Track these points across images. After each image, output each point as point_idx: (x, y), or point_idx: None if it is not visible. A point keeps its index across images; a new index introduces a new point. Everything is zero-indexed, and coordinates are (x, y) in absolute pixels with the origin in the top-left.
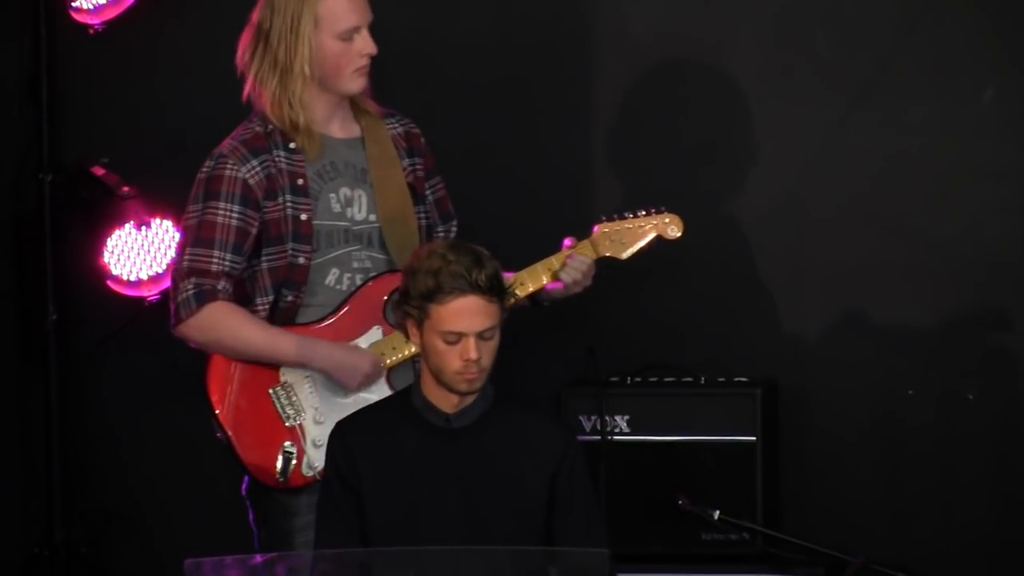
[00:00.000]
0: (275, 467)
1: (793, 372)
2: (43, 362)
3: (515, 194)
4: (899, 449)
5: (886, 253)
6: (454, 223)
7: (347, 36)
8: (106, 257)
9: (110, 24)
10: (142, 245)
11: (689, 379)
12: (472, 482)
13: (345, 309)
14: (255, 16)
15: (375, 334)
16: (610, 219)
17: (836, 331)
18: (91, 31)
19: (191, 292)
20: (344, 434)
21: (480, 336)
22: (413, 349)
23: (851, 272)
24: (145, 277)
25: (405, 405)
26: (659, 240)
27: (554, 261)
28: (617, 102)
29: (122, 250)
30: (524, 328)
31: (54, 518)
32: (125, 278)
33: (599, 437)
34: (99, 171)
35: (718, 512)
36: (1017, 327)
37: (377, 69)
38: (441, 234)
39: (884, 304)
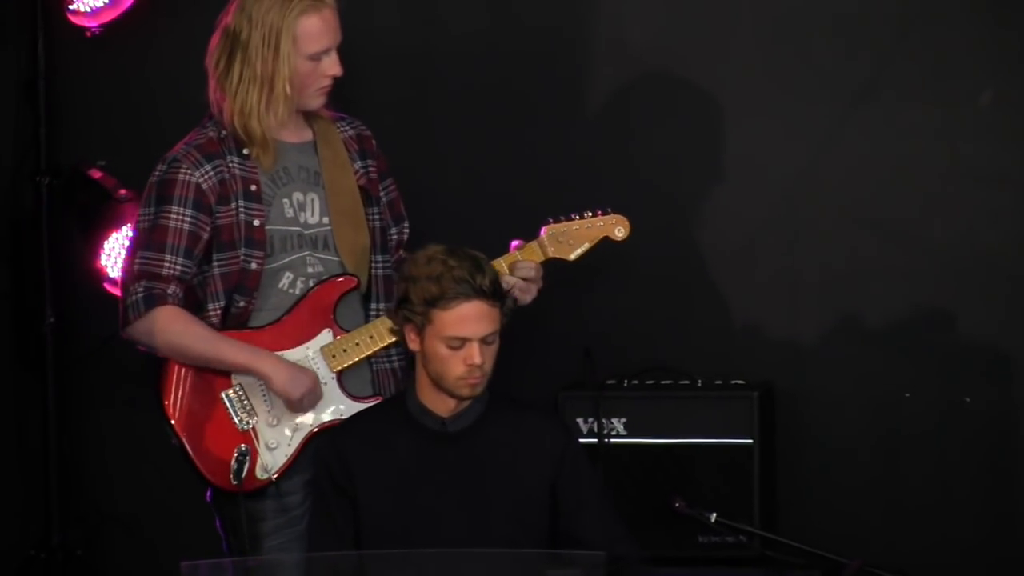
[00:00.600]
0: (230, 471)
1: (790, 375)
2: (40, 364)
3: (507, 199)
4: (896, 452)
5: (883, 257)
6: (406, 224)
7: (317, 57)
8: (103, 260)
9: (107, 27)
10: None
11: (686, 382)
12: (469, 485)
13: (295, 312)
14: (229, 21)
15: (325, 337)
16: (557, 220)
17: (833, 334)
18: (88, 34)
19: (140, 295)
20: (338, 440)
21: (483, 341)
22: (363, 351)
23: (848, 275)
24: None
25: (400, 410)
26: (606, 241)
27: (502, 263)
28: (613, 107)
29: (119, 253)
30: (521, 331)
31: (51, 521)
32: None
33: (596, 440)
34: (96, 174)
35: (715, 515)
36: (1014, 331)
37: (371, 75)
38: (394, 236)
39: (881, 307)
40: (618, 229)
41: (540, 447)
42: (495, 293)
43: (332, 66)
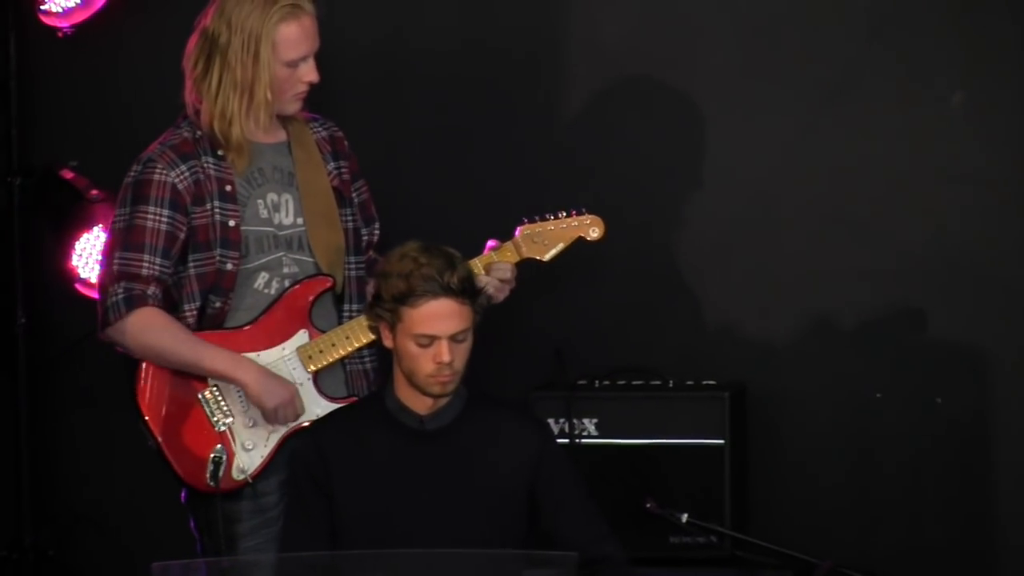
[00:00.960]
0: (206, 472)
1: (761, 375)
2: (11, 366)
3: (485, 199)
4: (867, 452)
5: (855, 257)
6: (376, 226)
7: (294, 63)
8: (75, 260)
9: (79, 27)
10: None
11: (657, 382)
12: (446, 484)
13: (271, 313)
14: (207, 23)
15: (301, 338)
16: (532, 221)
17: (804, 334)
18: (60, 34)
19: (121, 296)
20: (316, 437)
21: (453, 339)
22: (338, 351)
23: (820, 276)
24: None
25: (378, 407)
26: (580, 241)
27: (478, 263)
28: (588, 108)
29: (91, 253)
30: (492, 331)
31: (22, 521)
32: (93, 281)
33: (567, 440)
34: (68, 174)
35: (686, 515)
36: (985, 331)
37: (349, 77)
38: (365, 238)
39: (852, 308)
40: (592, 230)
41: (518, 447)
42: (465, 291)
43: (309, 72)
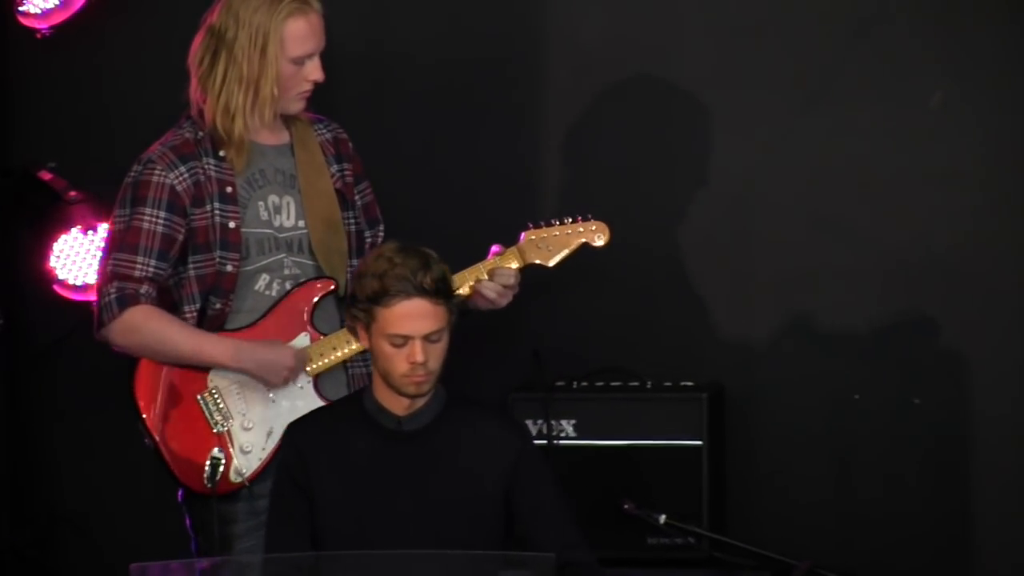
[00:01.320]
0: (203, 473)
1: (740, 376)
2: None
3: (465, 202)
4: (845, 454)
5: (834, 257)
6: (380, 228)
7: (300, 61)
8: (53, 261)
9: (58, 28)
10: (88, 249)
11: (635, 383)
12: (425, 485)
13: (272, 315)
14: (214, 20)
15: (302, 340)
16: (537, 226)
17: (783, 335)
18: (38, 35)
19: (113, 296)
20: (296, 437)
21: (427, 339)
22: (339, 354)
23: (799, 276)
24: (92, 281)
25: (358, 408)
26: (585, 247)
27: (482, 268)
28: (566, 109)
29: (68, 254)
30: (471, 332)
31: (1, 522)
32: (72, 282)
33: (545, 441)
34: (46, 175)
35: (664, 516)
36: (964, 332)
37: (329, 78)
38: (368, 240)
39: (832, 308)
40: (598, 236)
41: (496, 449)
42: (439, 291)
43: (315, 71)
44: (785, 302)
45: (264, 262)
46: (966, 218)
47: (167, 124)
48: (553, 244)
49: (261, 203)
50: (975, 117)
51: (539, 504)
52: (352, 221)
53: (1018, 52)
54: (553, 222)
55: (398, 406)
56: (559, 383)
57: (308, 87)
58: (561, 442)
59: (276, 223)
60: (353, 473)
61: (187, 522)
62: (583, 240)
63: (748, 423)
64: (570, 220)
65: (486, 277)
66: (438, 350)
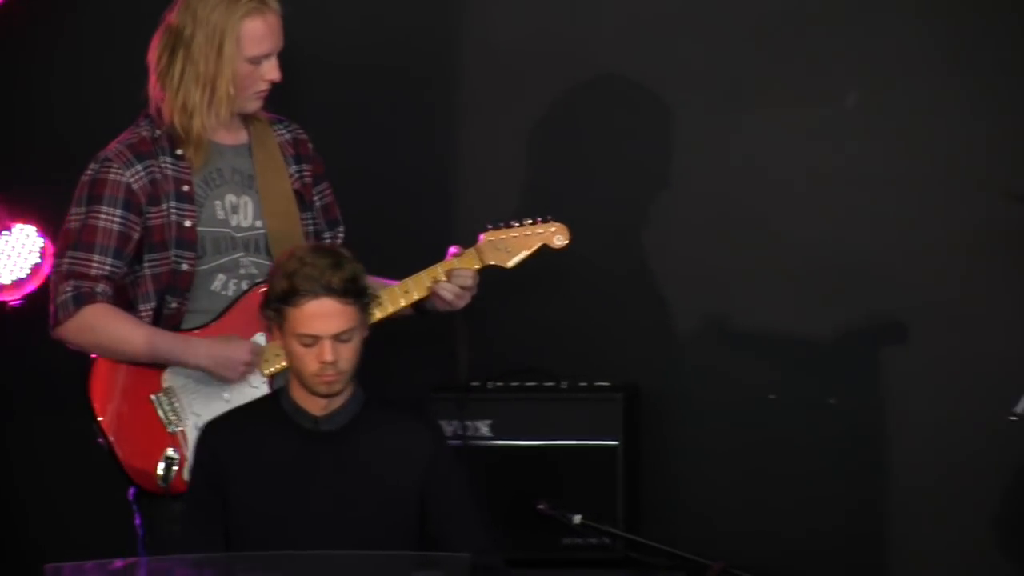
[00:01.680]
0: (156, 473)
1: (656, 376)
2: None
3: (386, 205)
4: (760, 454)
5: (750, 258)
6: (341, 229)
7: (257, 60)
8: None
9: None
10: (3, 250)
11: (551, 384)
12: (340, 486)
13: (229, 315)
14: (173, 19)
15: (259, 340)
16: (496, 227)
17: (699, 335)
18: None
19: (69, 294)
20: (211, 437)
21: (336, 339)
22: None
23: (714, 277)
24: (7, 282)
25: (275, 408)
26: (544, 249)
27: (439, 269)
28: (485, 110)
29: None
30: (387, 332)
31: None
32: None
33: (460, 442)
34: None
35: (579, 517)
36: (879, 332)
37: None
38: (328, 241)
39: (747, 309)
40: (558, 237)
41: (412, 449)
42: (348, 291)
43: (272, 71)
44: (701, 302)
45: (220, 261)
46: (880, 218)
47: (82, 124)
48: (512, 246)
49: (218, 202)
50: (891, 117)
51: (451, 505)
52: (310, 222)
53: (932, 51)
54: (512, 223)
55: (315, 406)
56: (474, 383)
57: (265, 87)
58: (477, 442)
59: (233, 222)
60: (269, 473)
61: (137, 521)
62: (542, 242)
63: (664, 423)
64: (529, 221)
65: (444, 278)
66: (348, 350)
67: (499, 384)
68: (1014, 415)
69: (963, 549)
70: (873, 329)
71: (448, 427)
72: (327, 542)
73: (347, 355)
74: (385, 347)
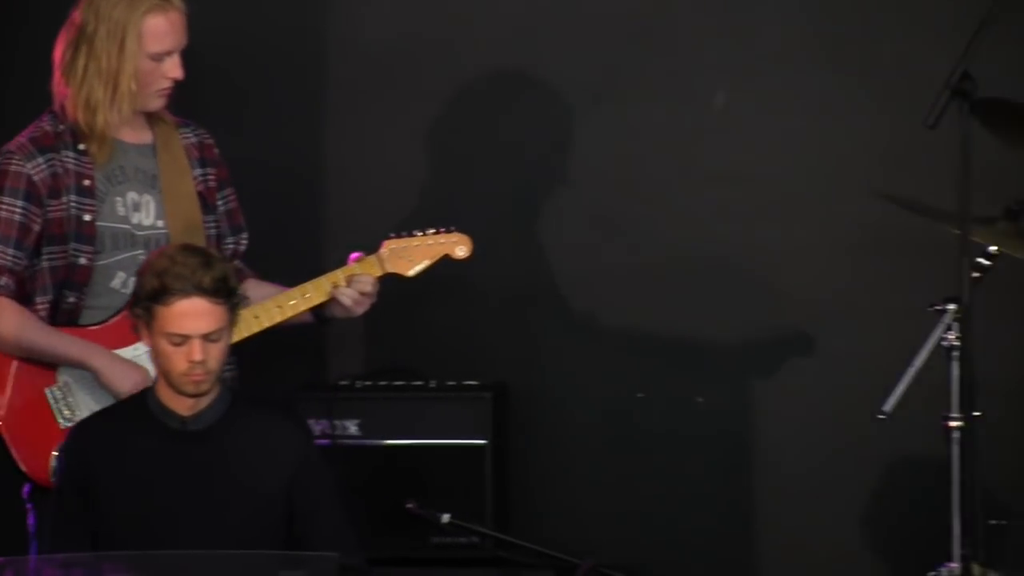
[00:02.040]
0: (49, 467)
1: (524, 375)
2: None
3: (351, 211)
4: (629, 452)
5: (616, 257)
6: (244, 235)
7: (159, 57)
8: None
9: None
10: None
11: (419, 383)
12: (208, 485)
13: (126, 313)
14: (77, 15)
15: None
16: (399, 236)
17: (567, 334)
18: None
19: None
20: (78, 437)
21: (206, 338)
22: None
23: (581, 276)
24: None
25: (141, 408)
26: (446, 259)
27: (340, 274)
28: (351, 109)
29: None
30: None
31: None
32: None
33: (328, 441)
34: None
35: (448, 516)
36: (745, 329)
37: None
38: (231, 246)
39: (615, 308)
40: (460, 248)
41: (279, 449)
42: (218, 291)
43: (173, 68)
44: (568, 301)
45: (118, 257)
46: (746, 217)
47: None
48: (414, 255)
49: (119, 199)
50: (756, 117)
51: (317, 506)
52: (212, 225)
53: (799, 52)
54: (415, 232)
55: (182, 406)
56: (343, 383)
57: (167, 84)
58: (345, 442)
59: (134, 220)
60: (136, 474)
61: (30, 519)
62: (444, 252)
63: (532, 422)
64: (432, 231)
65: (344, 283)
66: (217, 349)
67: (367, 383)
68: (882, 414)
69: (830, 547)
70: (739, 326)
71: (316, 427)
72: (194, 542)
73: (216, 355)
74: (253, 346)
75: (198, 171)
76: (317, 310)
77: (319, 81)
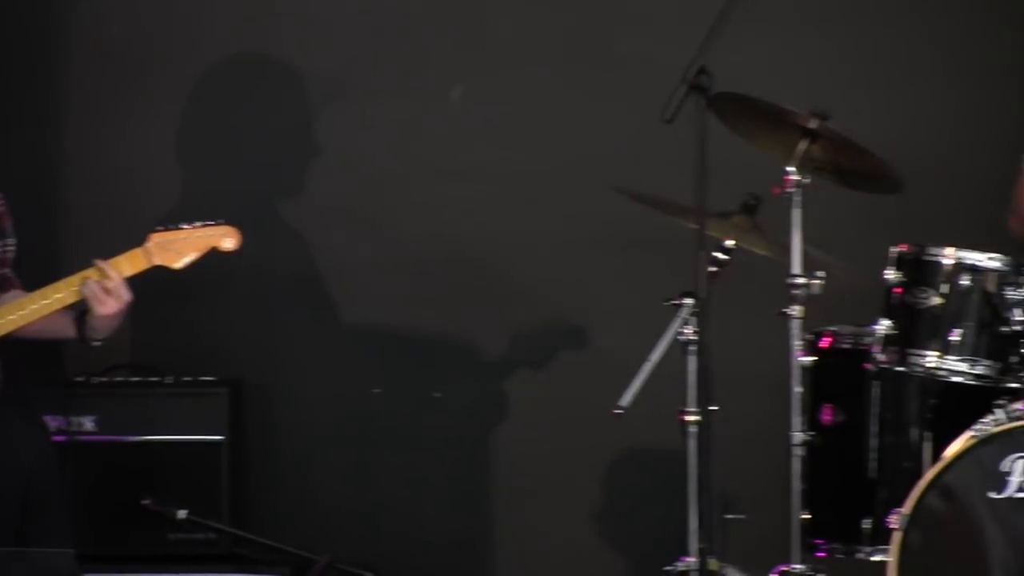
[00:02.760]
0: None
1: (261, 371)
2: None
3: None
4: (367, 447)
5: (356, 251)
6: (10, 241)
7: None
8: None
9: None
10: None
11: (155, 379)
12: None
13: None
14: None
15: None
16: (166, 228)
17: (304, 329)
18: None
19: None
20: None
21: None
22: None
23: (321, 269)
24: None
25: None
26: (214, 251)
27: (91, 270)
28: (90, 104)
29: None
30: None
31: None
32: None
33: (65, 438)
34: None
35: (185, 512)
36: (482, 325)
37: None
38: None
39: (354, 302)
40: (227, 240)
41: (15, 445)
42: None
43: None
44: (307, 297)
45: None
46: (486, 212)
47: None
48: (182, 247)
49: None
50: (496, 112)
51: (48, 503)
52: None
53: (537, 46)
54: (182, 225)
55: None
56: (78, 379)
57: None
58: (81, 438)
59: None
60: None
61: None
62: (211, 244)
63: (270, 418)
64: (199, 223)
65: (94, 278)
66: None
67: (103, 380)
68: (619, 409)
69: (568, 543)
70: (480, 324)
71: (52, 423)
72: None
73: None
74: None
75: None
76: (80, 324)
77: (60, 80)
